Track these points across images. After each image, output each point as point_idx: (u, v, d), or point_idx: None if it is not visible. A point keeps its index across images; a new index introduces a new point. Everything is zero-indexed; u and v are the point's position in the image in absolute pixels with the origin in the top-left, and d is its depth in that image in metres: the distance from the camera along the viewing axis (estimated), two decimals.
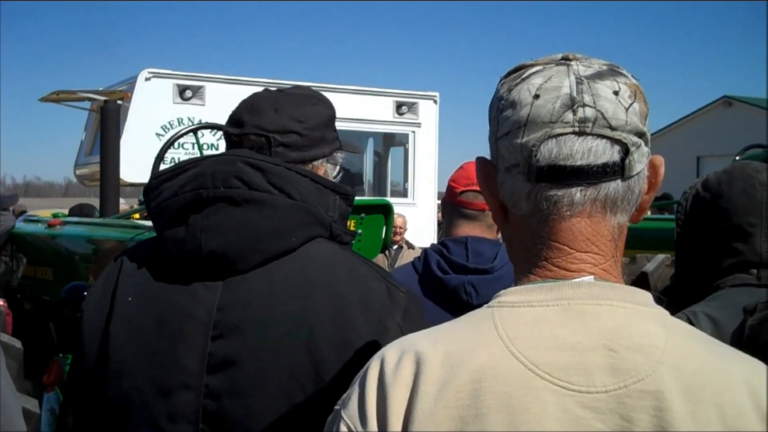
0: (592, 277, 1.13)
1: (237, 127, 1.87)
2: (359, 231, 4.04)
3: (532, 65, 1.19)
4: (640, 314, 1.10)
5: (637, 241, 4.18)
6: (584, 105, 1.11)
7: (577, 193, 1.12)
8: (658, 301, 1.15)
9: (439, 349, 1.09)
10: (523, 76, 1.17)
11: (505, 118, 1.16)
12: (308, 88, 2.04)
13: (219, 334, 1.61)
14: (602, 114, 1.11)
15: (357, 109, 12.53)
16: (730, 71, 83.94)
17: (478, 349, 1.07)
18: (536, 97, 1.13)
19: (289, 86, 2.04)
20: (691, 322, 1.92)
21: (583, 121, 1.11)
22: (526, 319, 1.09)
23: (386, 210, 4.31)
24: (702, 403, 1.02)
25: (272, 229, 1.66)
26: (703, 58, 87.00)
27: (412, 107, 12.97)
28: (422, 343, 1.11)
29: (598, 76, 1.14)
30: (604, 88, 1.13)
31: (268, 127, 1.83)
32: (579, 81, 1.13)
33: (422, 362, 1.07)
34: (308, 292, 1.63)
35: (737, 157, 3.74)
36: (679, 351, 1.06)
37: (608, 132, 1.12)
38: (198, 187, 1.68)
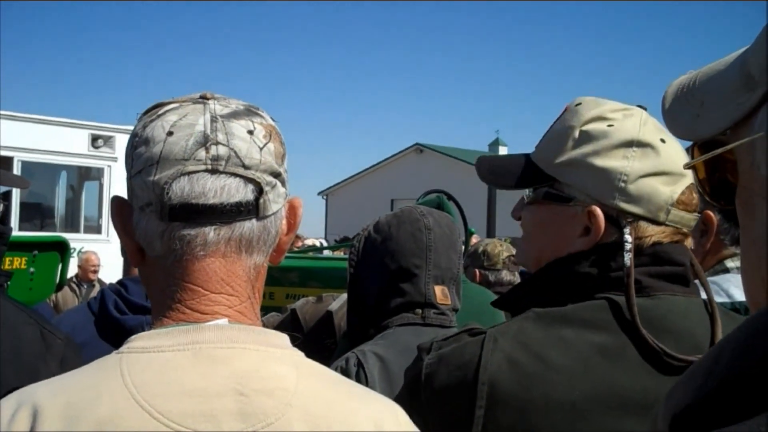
0: (226, 319, 1.11)
1: None
2: (32, 269, 3.80)
3: (170, 102, 1.17)
4: (273, 357, 1.10)
5: (324, 279, 4.28)
6: (217, 143, 1.11)
7: (210, 232, 1.10)
8: (294, 340, 1.16)
9: (59, 399, 1.01)
10: (159, 113, 1.14)
11: (138, 155, 1.12)
12: None
13: None
14: (236, 152, 1.11)
15: (49, 140, 11.91)
16: (422, 121, 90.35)
17: (101, 398, 1.01)
18: (170, 134, 1.11)
19: None
20: (360, 361, 1.98)
21: (216, 158, 1.10)
22: (155, 366, 1.04)
23: (62, 247, 4.08)
24: None
25: None
26: (397, 108, 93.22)
27: (108, 141, 12.51)
28: (41, 394, 1.03)
29: (234, 115, 1.14)
30: (239, 127, 1.13)
31: None
32: (214, 119, 1.12)
33: (39, 415, 1.00)
34: None
35: (417, 201, 3.96)
36: (308, 392, 1.08)
37: (241, 171, 1.11)
38: None
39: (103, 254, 10.26)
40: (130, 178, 1.14)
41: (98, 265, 9.88)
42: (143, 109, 1.21)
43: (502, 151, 43.06)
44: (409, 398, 1.46)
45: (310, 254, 7.30)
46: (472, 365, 1.38)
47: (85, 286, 9.69)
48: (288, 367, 1.09)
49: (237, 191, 1.11)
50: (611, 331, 1.39)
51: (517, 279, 4.71)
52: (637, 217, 1.46)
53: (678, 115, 0.94)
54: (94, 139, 12.39)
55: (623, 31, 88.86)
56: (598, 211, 1.46)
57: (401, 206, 2.38)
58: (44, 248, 4.01)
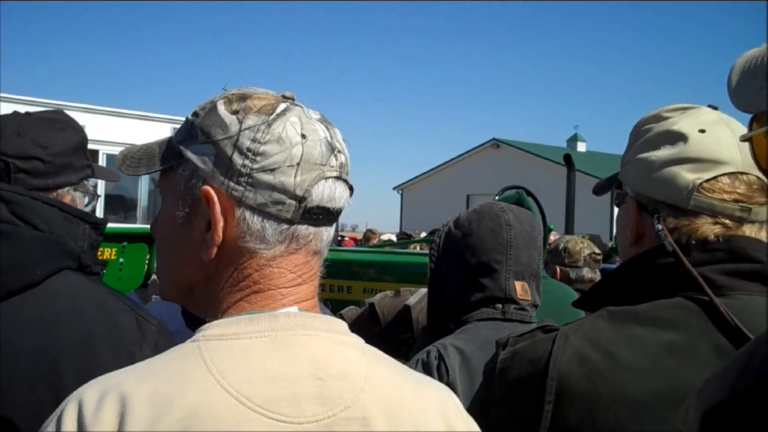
0: (296, 307, 1.15)
1: None
2: (121, 260, 3.88)
3: (262, 98, 1.17)
4: (342, 343, 1.14)
5: (400, 274, 4.30)
6: (340, 151, 1.19)
7: (325, 232, 1.18)
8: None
9: (146, 387, 1.03)
10: (277, 110, 1.15)
11: (269, 153, 1.13)
12: (59, 111, 1.94)
13: None
14: (347, 160, 1.21)
15: (133, 133, 12.19)
16: (499, 115, 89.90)
17: (188, 386, 1.03)
18: (303, 136, 1.14)
19: (42, 110, 1.93)
20: (441, 354, 2.00)
21: (341, 166, 1.18)
22: (235, 352, 1.07)
23: (150, 239, 4.14)
24: (402, 426, 1.09)
25: (15, 262, 1.57)
26: (474, 102, 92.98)
27: None
28: (126, 382, 1.04)
29: (328, 122, 1.20)
30: (339, 135, 1.21)
31: (8, 152, 1.74)
32: (325, 126, 1.18)
33: (127, 402, 1.01)
34: (52, 327, 1.55)
35: (496, 197, 3.94)
36: (378, 376, 1.12)
37: (346, 177, 1.20)
38: None
39: None
40: (250, 173, 1.13)
41: None
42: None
43: (580, 147, 42.39)
44: (485, 392, 1.50)
45: (387, 249, 7.33)
46: (542, 361, 1.41)
47: None
48: (356, 352, 1.14)
49: (346, 197, 1.21)
50: (684, 329, 1.38)
51: (598, 276, 4.66)
52: (660, 204, 1.47)
53: (743, 88, 0.93)
54: None
55: (710, 31, 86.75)
56: (632, 203, 1.53)
57: (477, 202, 2.39)
58: (133, 239, 4.05)
